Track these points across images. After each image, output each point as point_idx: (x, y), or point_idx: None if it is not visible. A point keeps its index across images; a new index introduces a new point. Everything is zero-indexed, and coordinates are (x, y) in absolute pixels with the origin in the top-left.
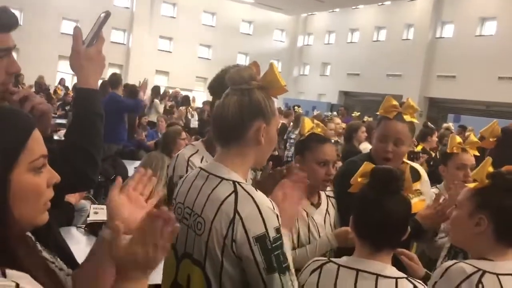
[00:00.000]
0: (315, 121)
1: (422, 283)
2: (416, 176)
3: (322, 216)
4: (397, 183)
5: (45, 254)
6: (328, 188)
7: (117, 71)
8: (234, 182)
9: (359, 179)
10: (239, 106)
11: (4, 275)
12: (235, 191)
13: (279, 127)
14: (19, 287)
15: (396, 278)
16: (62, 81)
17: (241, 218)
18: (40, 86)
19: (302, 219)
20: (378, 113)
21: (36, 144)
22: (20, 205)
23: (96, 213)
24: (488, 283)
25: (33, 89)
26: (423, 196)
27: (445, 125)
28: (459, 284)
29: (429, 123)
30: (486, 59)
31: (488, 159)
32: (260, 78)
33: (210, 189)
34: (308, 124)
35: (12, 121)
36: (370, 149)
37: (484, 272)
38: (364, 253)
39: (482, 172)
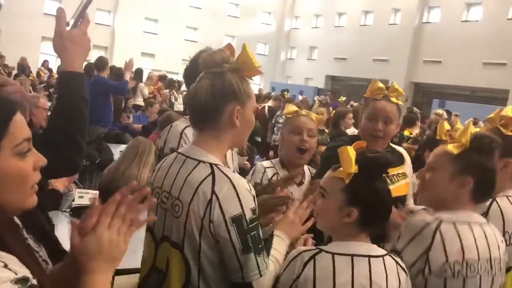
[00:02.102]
0: (303, 109)
1: (397, 257)
2: (400, 160)
3: (302, 195)
4: (385, 167)
5: (31, 242)
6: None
7: (102, 53)
8: (211, 164)
9: (352, 170)
10: (211, 89)
11: None
12: (212, 173)
13: (267, 110)
14: (8, 267)
15: (383, 256)
16: (45, 63)
17: (218, 199)
18: (23, 68)
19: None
20: (365, 95)
21: (18, 128)
22: (6, 190)
23: (81, 197)
24: (446, 229)
25: (15, 71)
26: (408, 179)
27: (437, 111)
28: (419, 231)
29: (414, 108)
30: (471, 44)
31: (470, 122)
32: (233, 60)
33: (187, 172)
34: (291, 108)
35: None
36: (358, 132)
37: (442, 220)
38: (350, 235)
39: (464, 135)
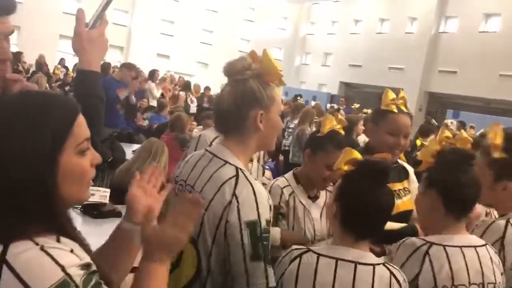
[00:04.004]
0: (339, 116)
1: (398, 269)
2: (405, 175)
3: (319, 209)
4: (385, 175)
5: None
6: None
7: (118, 52)
8: (236, 167)
9: (343, 167)
10: (233, 96)
11: (59, 241)
12: (236, 176)
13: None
14: (73, 252)
15: (374, 265)
16: (62, 61)
17: (237, 202)
18: (40, 66)
19: (299, 212)
20: (382, 107)
21: (81, 128)
22: (68, 184)
23: (92, 194)
24: (435, 253)
25: (33, 68)
26: (411, 195)
27: (446, 121)
28: (409, 256)
29: (433, 120)
30: (488, 55)
31: (432, 139)
32: (255, 67)
33: (213, 170)
34: (329, 123)
35: (59, 108)
36: (366, 142)
37: (432, 244)
38: (347, 242)
39: (428, 153)
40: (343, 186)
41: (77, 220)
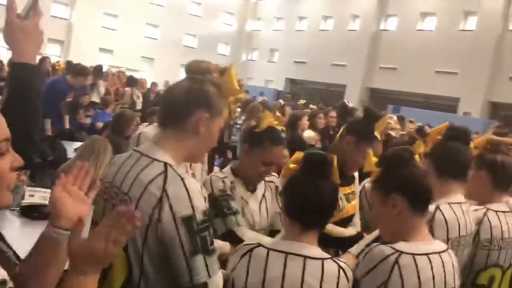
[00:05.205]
0: (277, 113)
1: (345, 262)
2: (352, 178)
3: (258, 201)
4: (327, 167)
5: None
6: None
7: (58, 47)
8: (165, 163)
9: (290, 166)
10: (186, 90)
11: None
12: (164, 172)
13: None
14: None
15: (322, 259)
16: None
17: (168, 198)
18: None
19: (238, 204)
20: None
21: None
22: None
23: (31, 195)
24: (404, 262)
25: None
26: (356, 199)
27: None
28: (377, 263)
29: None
30: (425, 53)
31: (369, 153)
32: (217, 77)
33: (140, 169)
34: (268, 119)
35: None
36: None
37: (401, 253)
38: (293, 234)
39: (370, 164)
40: (288, 180)
41: (15, 222)
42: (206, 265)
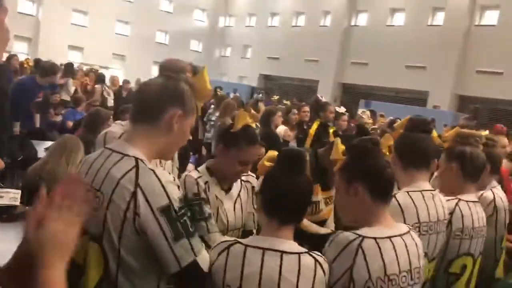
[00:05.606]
0: (252, 112)
1: (321, 255)
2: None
3: (232, 201)
4: (303, 163)
5: None
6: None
7: (25, 44)
8: (136, 158)
9: (265, 163)
10: (161, 87)
11: None
12: (136, 166)
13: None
14: None
15: (299, 254)
16: None
17: (142, 191)
18: None
19: (212, 205)
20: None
21: None
22: None
23: (1, 197)
24: (367, 246)
25: None
26: (332, 205)
27: (359, 112)
28: (342, 249)
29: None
30: (395, 48)
31: (336, 140)
32: (191, 77)
33: (111, 165)
34: (243, 118)
35: None
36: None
37: (364, 237)
38: (271, 230)
39: (337, 152)
40: (264, 178)
41: None
42: (191, 245)
